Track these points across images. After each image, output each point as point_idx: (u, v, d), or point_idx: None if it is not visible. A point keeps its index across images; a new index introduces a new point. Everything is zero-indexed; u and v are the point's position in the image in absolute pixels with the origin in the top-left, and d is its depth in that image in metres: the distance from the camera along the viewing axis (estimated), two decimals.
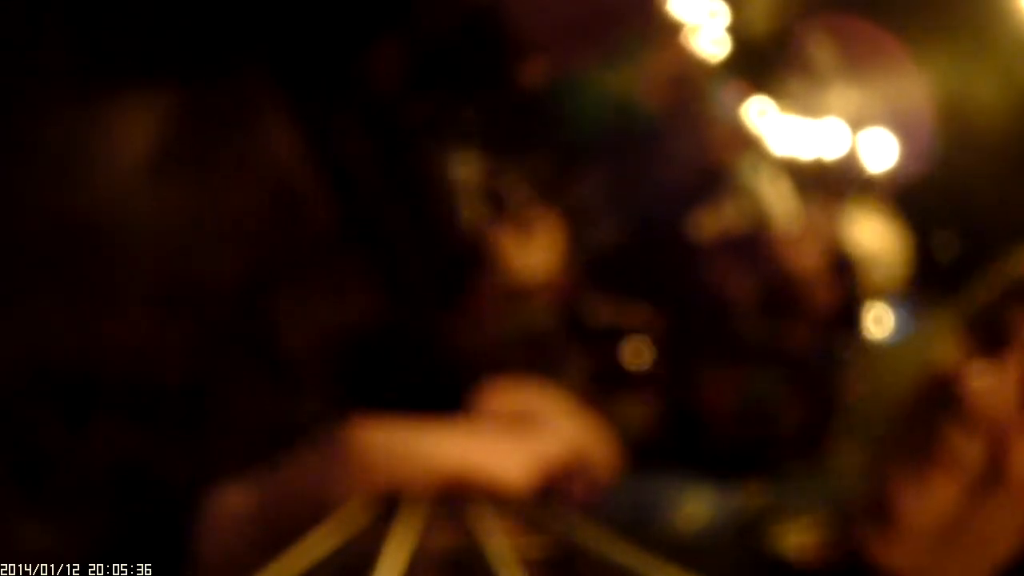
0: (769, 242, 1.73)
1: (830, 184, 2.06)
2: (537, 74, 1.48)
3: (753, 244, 1.73)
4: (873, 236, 1.89)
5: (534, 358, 1.43)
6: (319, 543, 0.30)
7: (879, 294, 1.87)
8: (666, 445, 1.45)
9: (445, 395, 0.49)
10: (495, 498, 0.38)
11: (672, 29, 1.78)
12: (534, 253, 1.48)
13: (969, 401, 0.42)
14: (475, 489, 0.40)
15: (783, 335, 1.62)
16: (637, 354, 1.55)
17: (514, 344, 1.42)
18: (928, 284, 1.96)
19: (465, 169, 1.44)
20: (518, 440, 0.43)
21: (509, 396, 0.47)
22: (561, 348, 1.47)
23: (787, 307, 1.63)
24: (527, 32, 1.43)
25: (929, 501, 0.41)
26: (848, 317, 1.72)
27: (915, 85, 1.93)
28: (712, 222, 1.74)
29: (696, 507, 0.48)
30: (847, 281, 1.73)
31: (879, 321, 1.90)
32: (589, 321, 1.53)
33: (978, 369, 0.43)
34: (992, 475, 0.42)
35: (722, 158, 1.84)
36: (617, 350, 1.54)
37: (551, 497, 0.44)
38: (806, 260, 1.68)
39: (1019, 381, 0.42)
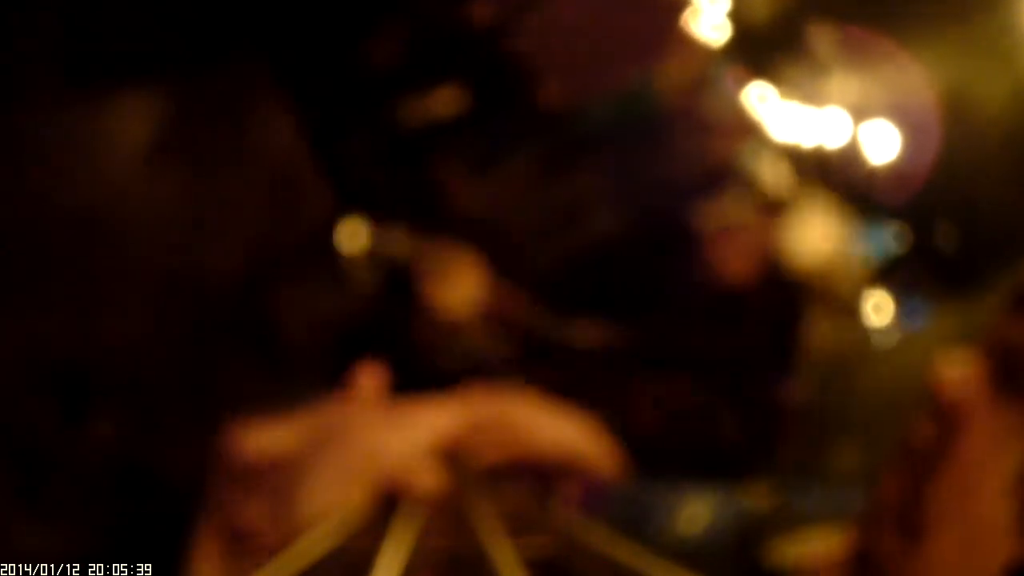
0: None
1: (829, 173, 2.05)
2: (552, 97, 1.48)
3: (751, 233, 1.72)
4: (818, 239, 1.87)
5: (484, 378, 1.42)
6: (318, 543, 0.29)
7: (834, 299, 1.85)
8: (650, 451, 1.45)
9: (444, 386, 0.49)
10: (495, 498, 0.38)
11: (690, 39, 1.77)
12: (455, 289, 1.47)
13: (939, 389, 0.42)
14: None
15: (720, 344, 1.61)
16: (581, 368, 1.55)
17: (463, 371, 1.41)
18: (930, 273, 1.95)
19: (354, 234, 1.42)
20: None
21: (500, 399, 0.47)
22: (507, 367, 1.47)
23: (721, 315, 1.62)
24: (543, 58, 1.43)
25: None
26: (787, 327, 1.70)
27: (918, 77, 1.93)
28: (715, 214, 1.73)
29: (696, 509, 0.48)
30: (784, 291, 1.71)
31: (879, 309, 1.89)
32: (538, 339, 1.52)
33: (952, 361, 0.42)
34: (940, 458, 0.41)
35: (725, 148, 1.83)
36: (566, 364, 1.53)
37: (551, 497, 0.44)
38: (740, 267, 1.66)
39: (990, 370, 0.42)
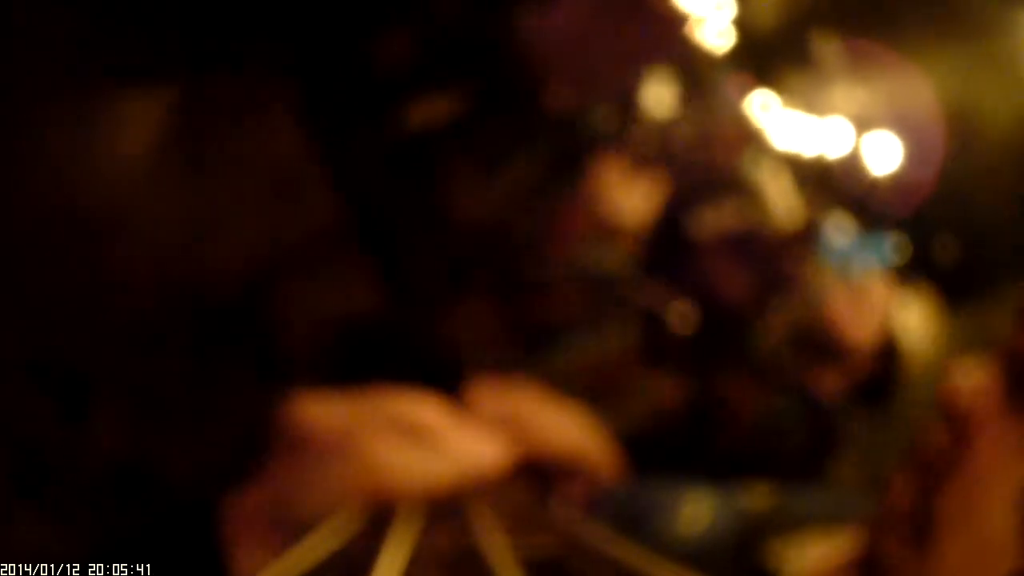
0: (768, 241, 1.72)
1: (830, 184, 2.06)
2: (559, 104, 1.48)
3: (752, 243, 1.73)
4: (922, 322, 1.90)
5: (592, 304, 1.42)
6: (318, 544, 0.30)
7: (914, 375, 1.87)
8: (681, 433, 1.45)
9: (441, 391, 0.49)
10: (495, 497, 0.38)
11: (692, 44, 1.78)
12: (631, 197, 1.47)
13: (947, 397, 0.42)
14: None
15: (809, 376, 1.62)
16: (678, 339, 1.55)
17: (577, 284, 1.41)
18: (927, 284, 1.96)
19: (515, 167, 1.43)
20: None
21: (501, 396, 0.47)
22: (620, 303, 1.46)
23: (820, 357, 1.64)
24: (548, 62, 1.44)
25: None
26: (878, 390, 1.72)
27: (922, 90, 1.93)
28: (714, 221, 1.73)
29: (696, 509, 0.48)
30: (888, 361, 1.74)
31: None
32: (640, 296, 1.52)
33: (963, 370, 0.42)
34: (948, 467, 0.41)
35: (726, 155, 1.84)
36: (663, 327, 1.53)
37: (551, 497, 0.44)
38: (858, 330, 1.69)
39: (1002, 386, 0.42)
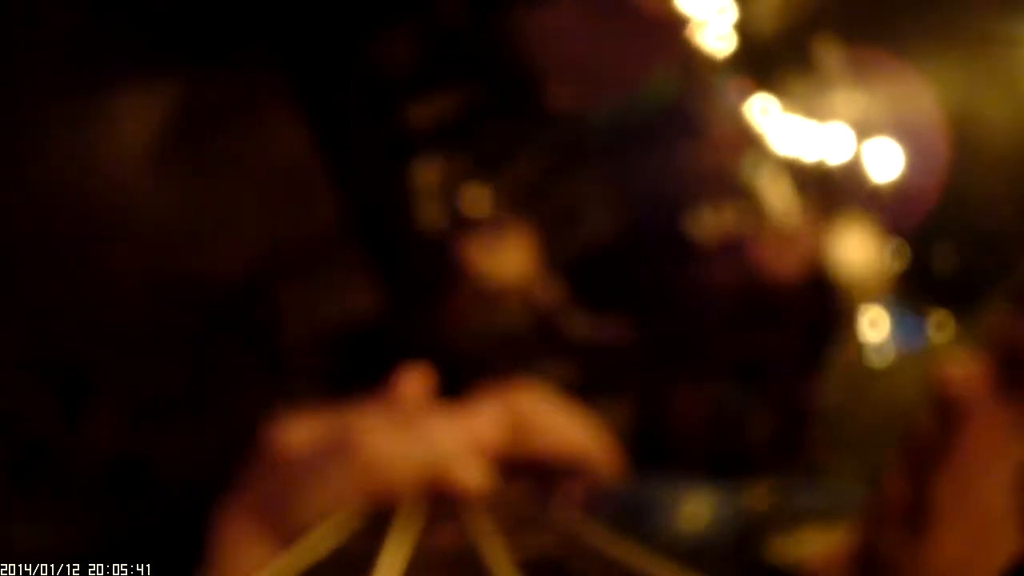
0: (759, 245, 1.73)
1: (831, 189, 2.06)
2: (561, 104, 1.49)
3: (748, 247, 1.73)
4: (857, 251, 1.89)
5: (509, 361, 1.43)
6: (318, 544, 0.30)
7: (861, 304, 1.87)
8: (636, 456, 1.46)
9: (442, 393, 0.49)
10: (495, 497, 0.38)
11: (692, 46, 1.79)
12: (504, 258, 1.48)
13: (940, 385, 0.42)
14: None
15: (757, 345, 1.62)
16: (612, 365, 1.56)
17: (489, 346, 1.42)
18: (925, 292, 1.96)
19: (427, 174, 1.44)
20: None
21: (502, 397, 0.47)
22: (536, 352, 1.48)
23: (762, 316, 1.63)
24: (551, 66, 1.44)
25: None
26: (825, 331, 1.72)
27: (923, 97, 1.93)
28: (712, 223, 1.74)
29: (696, 507, 0.48)
30: (827, 296, 1.73)
31: (875, 324, 1.90)
32: (566, 330, 1.53)
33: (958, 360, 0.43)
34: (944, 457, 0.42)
35: (725, 158, 1.84)
36: (593, 359, 1.54)
37: (551, 497, 0.44)
38: (787, 270, 1.68)
39: (993, 373, 0.42)
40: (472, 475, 0.41)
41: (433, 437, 0.43)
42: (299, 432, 0.43)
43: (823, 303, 1.72)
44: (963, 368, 0.43)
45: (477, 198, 1.48)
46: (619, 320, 1.57)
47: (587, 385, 1.48)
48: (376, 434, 0.42)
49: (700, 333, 1.62)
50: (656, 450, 1.51)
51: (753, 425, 1.55)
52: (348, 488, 0.40)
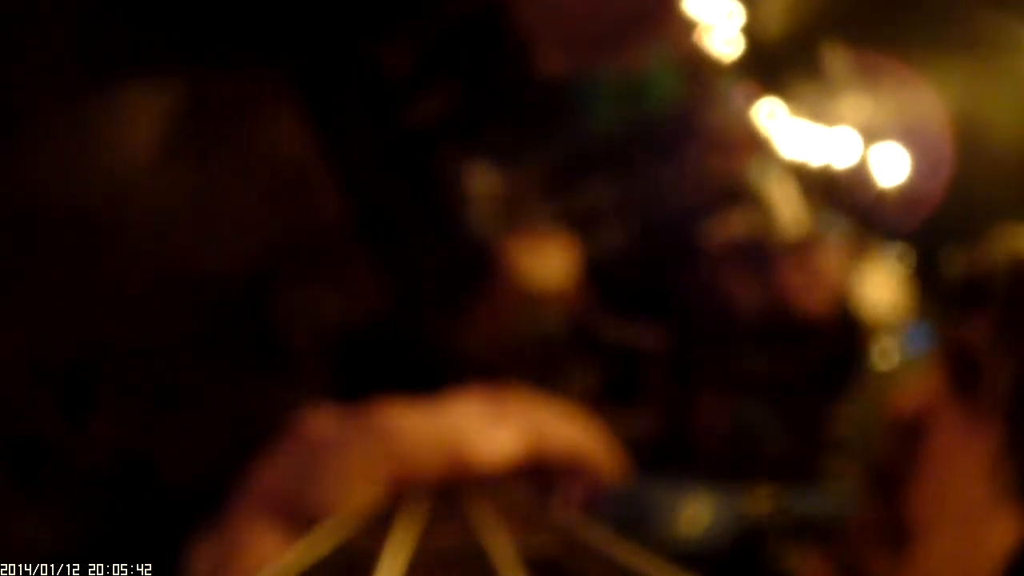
0: (775, 253, 1.73)
1: (837, 194, 2.06)
2: (552, 69, 1.48)
3: (760, 253, 1.73)
4: (882, 281, 1.90)
5: (542, 366, 1.43)
6: (319, 543, 0.29)
7: (882, 335, 1.88)
8: (658, 463, 1.46)
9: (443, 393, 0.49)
10: (496, 496, 0.38)
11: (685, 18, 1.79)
12: (546, 262, 1.49)
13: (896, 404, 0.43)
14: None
15: (779, 365, 1.63)
16: (643, 372, 1.56)
17: (523, 351, 1.43)
18: (931, 296, 1.96)
19: (478, 178, 1.45)
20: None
21: (500, 397, 0.47)
22: (569, 358, 1.48)
23: (786, 339, 1.64)
24: (542, 28, 1.44)
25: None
26: (847, 358, 1.73)
27: (930, 101, 1.93)
28: (722, 230, 1.74)
29: (697, 510, 0.48)
30: (851, 325, 1.74)
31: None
32: (598, 335, 1.54)
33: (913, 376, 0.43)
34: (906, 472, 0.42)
35: (733, 164, 1.84)
36: (624, 366, 1.54)
37: (551, 497, 0.44)
38: (814, 299, 1.69)
39: (947, 377, 0.43)
40: (499, 447, 0.41)
41: (457, 413, 0.42)
42: (326, 421, 0.43)
43: (847, 334, 1.73)
44: (914, 383, 0.43)
45: (522, 202, 1.49)
46: (648, 327, 1.58)
47: (614, 390, 1.49)
48: (399, 415, 0.41)
49: (722, 345, 1.62)
50: (676, 457, 1.52)
51: (769, 442, 1.56)
52: (370, 469, 0.40)
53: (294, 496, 0.40)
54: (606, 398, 1.48)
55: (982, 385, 0.41)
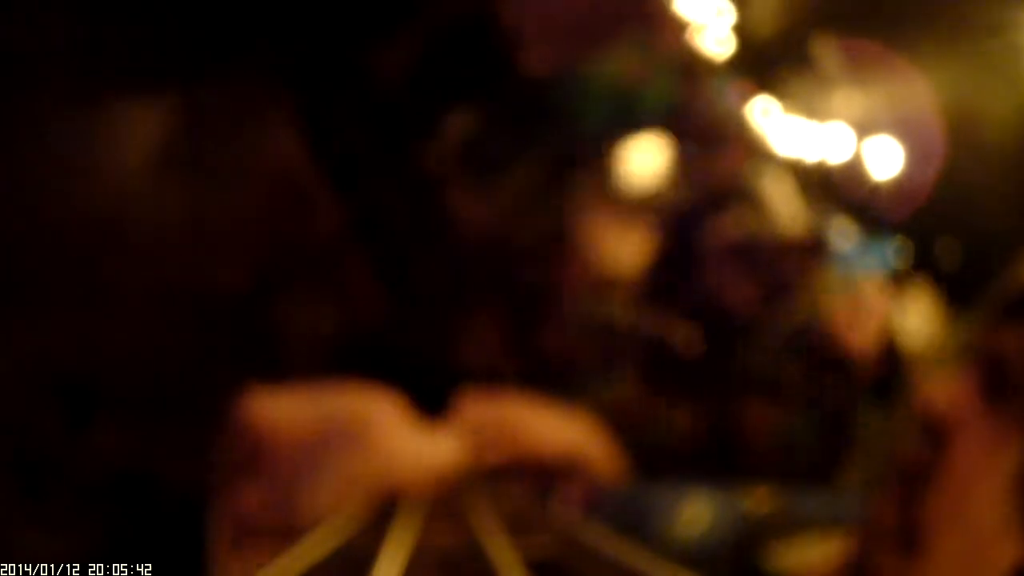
0: (772, 250, 1.73)
1: (833, 189, 2.06)
2: (538, 65, 1.48)
3: (757, 251, 1.73)
4: (923, 323, 1.91)
5: (601, 352, 1.43)
6: (319, 543, 0.30)
7: (924, 370, 1.88)
8: (699, 462, 1.46)
9: (438, 402, 0.49)
10: (495, 497, 0.38)
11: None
12: (623, 247, 1.49)
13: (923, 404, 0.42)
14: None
15: (822, 388, 1.63)
16: (687, 364, 1.56)
17: (585, 335, 1.42)
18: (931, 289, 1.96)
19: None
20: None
21: (492, 404, 0.47)
22: (628, 346, 1.47)
23: (824, 366, 1.65)
24: (526, 24, 1.44)
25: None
26: (884, 394, 1.74)
27: (923, 94, 1.93)
28: (721, 230, 1.73)
29: (696, 511, 0.48)
30: (892, 365, 1.75)
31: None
32: (648, 328, 1.53)
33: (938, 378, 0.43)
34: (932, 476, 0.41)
35: (730, 164, 1.84)
36: (672, 355, 1.54)
37: (551, 497, 0.44)
38: (859, 338, 1.70)
39: (978, 385, 0.42)
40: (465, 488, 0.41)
41: (442, 440, 0.42)
42: (285, 410, 0.43)
43: (891, 369, 1.74)
44: (946, 385, 0.43)
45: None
46: (690, 326, 1.58)
47: (659, 388, 1.48)
48: (392, 432, 0.41)
49: (757, 355, 1.62)
50: (716, 461, 1.51)
51: (806, 454, 1.56)
52: (359, 483, 0.40)
53: (279, 508, 0.40)
54: (652, 392, 1.47)
55: (1013, 398, 0.41)
